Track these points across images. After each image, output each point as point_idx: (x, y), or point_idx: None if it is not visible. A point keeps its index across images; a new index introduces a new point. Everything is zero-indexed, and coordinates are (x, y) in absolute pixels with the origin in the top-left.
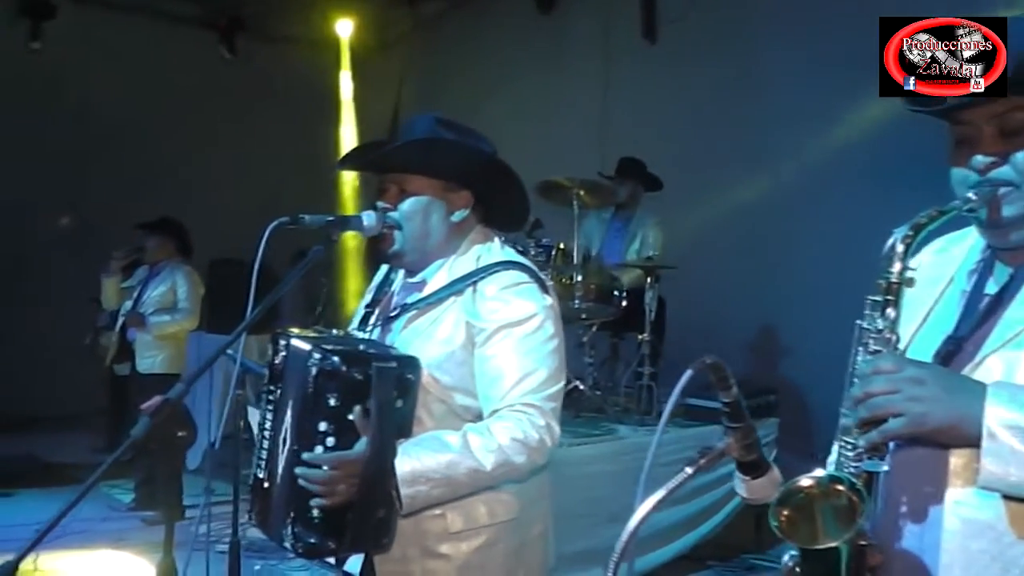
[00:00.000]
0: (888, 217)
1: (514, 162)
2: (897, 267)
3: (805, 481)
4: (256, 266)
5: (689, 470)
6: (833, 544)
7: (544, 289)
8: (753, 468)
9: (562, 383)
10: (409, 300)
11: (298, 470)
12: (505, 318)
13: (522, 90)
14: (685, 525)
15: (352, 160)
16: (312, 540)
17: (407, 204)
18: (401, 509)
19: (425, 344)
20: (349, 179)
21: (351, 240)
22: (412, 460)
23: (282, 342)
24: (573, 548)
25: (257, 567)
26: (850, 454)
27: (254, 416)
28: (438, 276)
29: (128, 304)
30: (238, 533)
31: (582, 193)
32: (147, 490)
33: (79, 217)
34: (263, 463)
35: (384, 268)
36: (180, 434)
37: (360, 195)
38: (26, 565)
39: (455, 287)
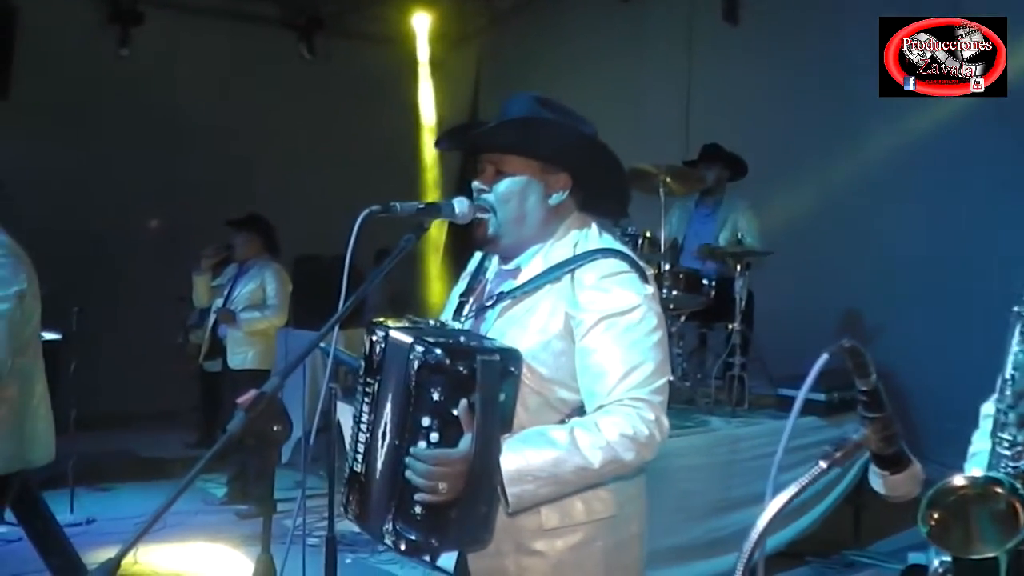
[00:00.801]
0: (974, 203)
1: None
2: None
3: (958, 481)
4: (348, 256)
5: (823, 464)
6: (992, 554)
7: (644, 278)
8: (893, 462)
9: (668, 376)
10: (504, 288)
11: (408, 461)
12: (606, 308)
13: (602, 79)
14: (782, 520)
15: (449, 139)
16: (413, 536)
17: (503, 185)
18: (508, 508)
19: (521, 334)
20: (432, 175)
21: (433, 230)
22: (518, 457)
23: (379, 334)
24: (666, 544)
25: (348, 560)
26: (1008, 452)
27: (345, 411)
28: (533, 263)
29: (219, 301)
30: (333, 528)
31: (668, 180)
32: (240, 484)
33: (169, 218)
34: (360, 456)
35: (478, 255)
36: (276, 428)
37: (442, 191)
38: (127, 559)
39: (552, 275)
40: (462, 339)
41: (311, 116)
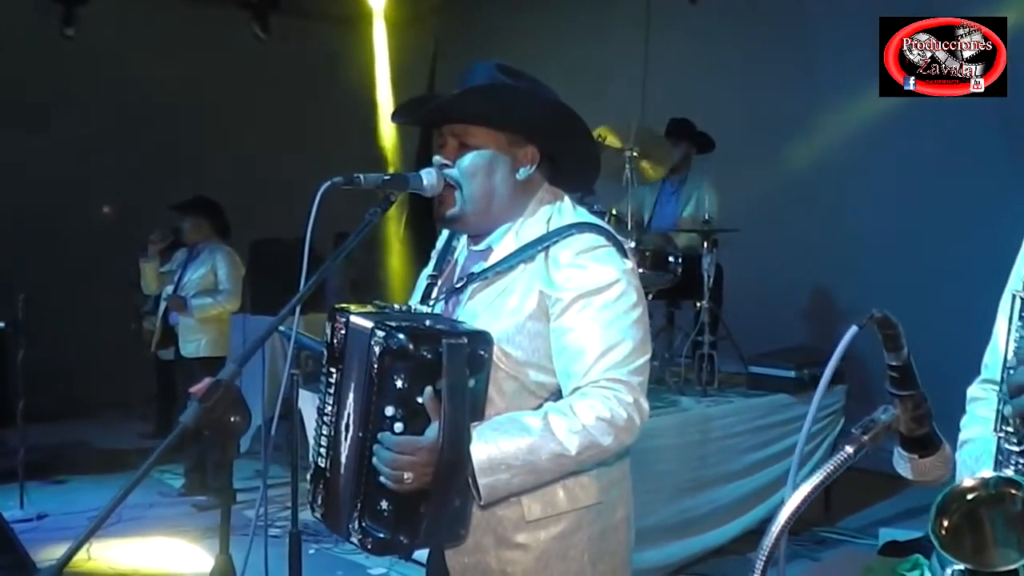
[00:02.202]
0: (940, 179)
1: None
2: None
3: (969, 483)
4: (308, 230)
5: (850, 449)
6: (1011, 567)
7: (623, 253)
8: (923, 444)
9: (648, 355)
10: (475, 269)
11: (374, 449)
12: (583, 286)
13: (561, 56)
14: (753, 499)
15: (406, 111)
16: (382, 535)
17: (468, 159)
18: (480, 500)
19: (494, 317)
20: (391, 155)
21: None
22: (489, 446)
23: (340, 319)
24: (638, 525)
25: (312, 551)
26: (1016, 448)
27: (306, 399)
28: (505, 242)
29: (169, 288)
30: (297, 523)
31: (635, 154)
32: (198, 475)
33: (120, 202)
34: (324, 451)
35: (445, 234)
36: (233, 419)
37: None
38: (79, 556)
39: (525, 253)
40: (427, 323)
41: (266, 97)
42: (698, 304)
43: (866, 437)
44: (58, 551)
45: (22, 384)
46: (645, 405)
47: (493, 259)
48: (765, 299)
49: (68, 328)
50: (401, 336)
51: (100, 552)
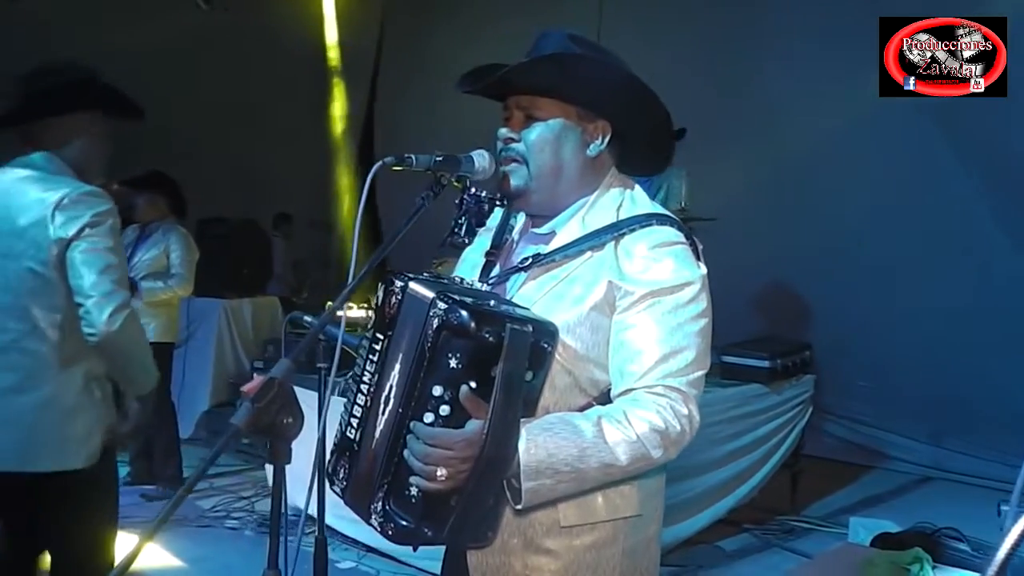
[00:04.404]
0: (903, 172)
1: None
2: None
3: None
4: (359, 213)
5: None
6: None
7: (698, 255)
8: None
9: (707, 369)
10: (539, 251)
11: (407, 438)
12: (657, 281)
13: (511, 34)
14: (722, 489)
15: (471, 80)
16: (405, 523)
17: (535, 132)
18: (519, 504)
19: (555, 304)
20: (340, 125)
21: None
22: (539, 447)
23: (398, 284)
24: None
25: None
26: None
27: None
28: (570, 227)
29: None
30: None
31: None
32: (144, 463)
33: None
34: (356, 421)
35: (498, 213)
36: (287, 420)
37: (350, 144)
38: None
39: (595, 239)
40: (492, 302)
41: (209, 68)
42: None
43: None
44: None
45: None
46: (698, 418)
47: (555, 244)
48: (739, 288)
49: None
50: (463, 313)
51: None
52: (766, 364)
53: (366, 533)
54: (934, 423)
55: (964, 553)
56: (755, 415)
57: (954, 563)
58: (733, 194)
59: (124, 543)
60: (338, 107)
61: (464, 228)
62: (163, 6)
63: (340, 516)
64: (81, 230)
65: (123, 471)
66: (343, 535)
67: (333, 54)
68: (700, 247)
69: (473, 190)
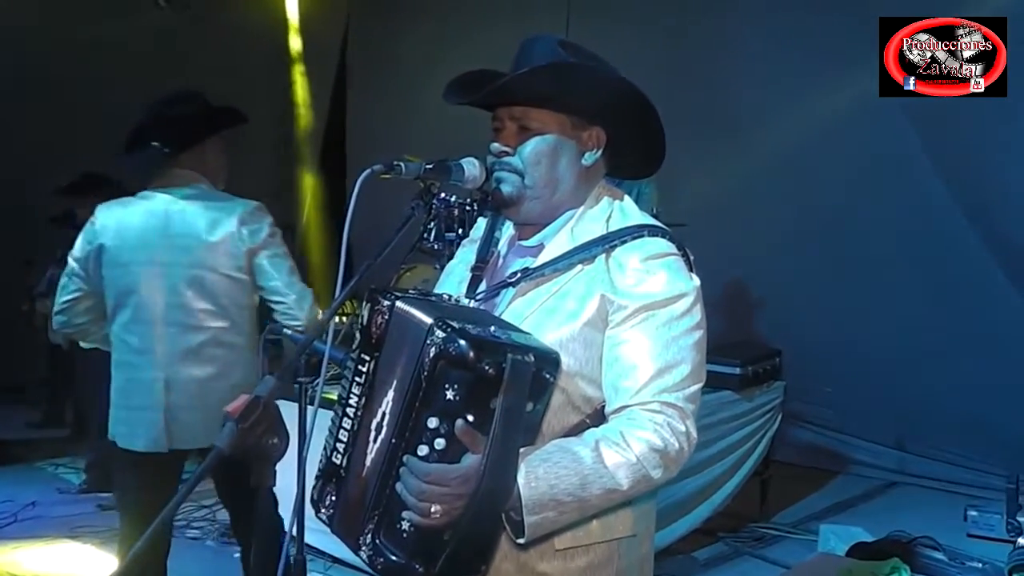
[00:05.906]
0: (871, 178)
1: (472, 119)
2: None
3: None
4: (347, 223)
5: None
6: None
7: (691, 267)
8: None
9: (703, 382)
10: (525, 266)
11: (400, 472)
12: (649, 295)
13: (478, 39)
14: (698, 497)
15: (460, 91)
16: (395, 558)
17: (531, 145)
18: (520, 537)
19: (547, 319)
20: (304, 123)
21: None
22: (539, 480)
23: (384, 303)
24: None
25: (237, 555)
26: None
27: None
28: (558, 238)
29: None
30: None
31: None
32: (100, 471)
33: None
34: (342, 447)
35: (481, 223)
36: (272, 442)
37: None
38: None
39: (585, 252)
40: (492, 328)
41: (168, 69)
42: None
43: None
44: None
45: None
46: (695, 435)
47: (544, 258)
48: (706, 295)
49: None
50: (463, 343)
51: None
52: (737, 371)
53: (333, 544)
54: (899, 428)
55: (940, 562)
56: (727, 422)
57: (930, 572)
58: (702, 200)
59: (79, 554)
60: (301, 107)
61: (433, 233)
62: (123, 6)
63: (308, 527)
64: (264, 239)
65: (77, 478)
66: (309, 546)
67: (296, 54)
68: (692, 258)
69: (443, 194)
